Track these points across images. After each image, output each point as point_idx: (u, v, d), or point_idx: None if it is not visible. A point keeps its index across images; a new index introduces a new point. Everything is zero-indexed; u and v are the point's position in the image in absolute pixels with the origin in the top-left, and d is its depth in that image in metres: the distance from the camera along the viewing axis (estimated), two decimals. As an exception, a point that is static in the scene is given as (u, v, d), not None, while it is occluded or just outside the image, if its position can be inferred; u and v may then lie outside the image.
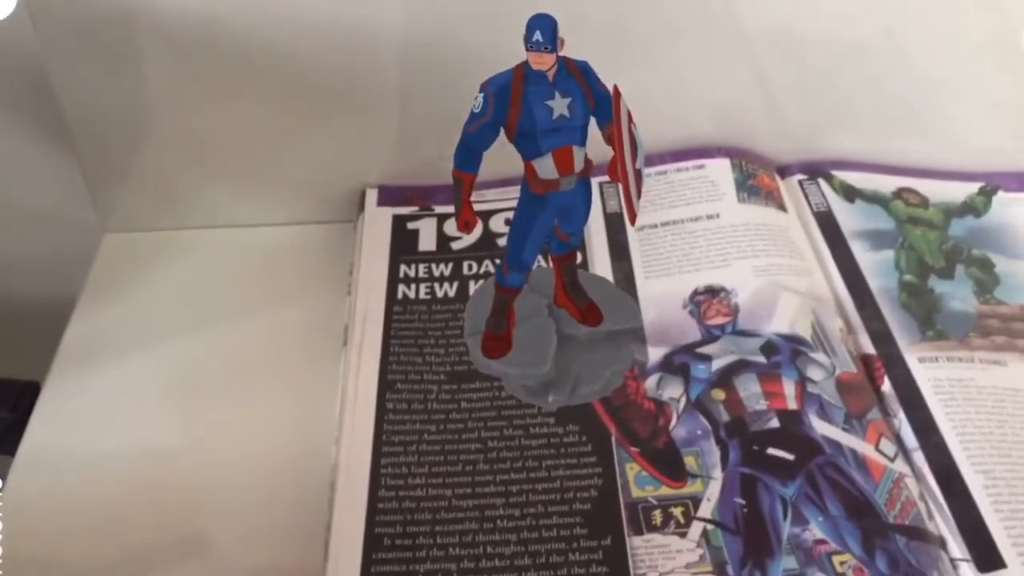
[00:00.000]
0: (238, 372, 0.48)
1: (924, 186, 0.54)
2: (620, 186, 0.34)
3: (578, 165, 0.35)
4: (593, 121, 0.35)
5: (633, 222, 0.35)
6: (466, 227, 0.35)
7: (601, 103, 0.34)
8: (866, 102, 0.57)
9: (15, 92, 0.52)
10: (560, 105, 0.34)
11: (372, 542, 0.37)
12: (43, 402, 0.46)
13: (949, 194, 0.53)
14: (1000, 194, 0.53)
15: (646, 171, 0.52)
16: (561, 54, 0.33)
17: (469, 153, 0.34)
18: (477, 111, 0.34)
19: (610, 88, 0.34)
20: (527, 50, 0.33)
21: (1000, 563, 0.35)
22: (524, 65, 0.33)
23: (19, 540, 0.40)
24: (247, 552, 0.40)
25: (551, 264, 0.41)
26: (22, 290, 0.56)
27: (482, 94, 0.34)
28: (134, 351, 0.49)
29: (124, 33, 0.48)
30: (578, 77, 0.34)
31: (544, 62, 0.33)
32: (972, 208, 0.52)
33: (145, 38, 0.49)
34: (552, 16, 0.33)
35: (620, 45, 0.53)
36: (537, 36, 0.32)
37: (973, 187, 0.54)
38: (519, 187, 0.36)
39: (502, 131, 0.34)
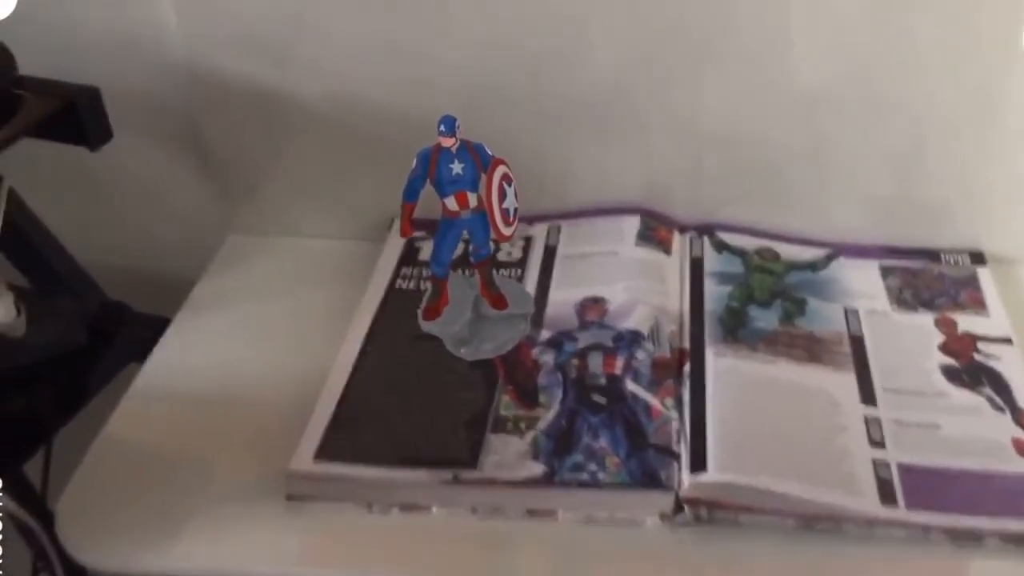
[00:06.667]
0: (293, 328, 0.73)
1: (783, 248, 0.74)
2: (488, 216, 0.58)
3: (471, 203, 0.59)
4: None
5: (501, 240, 0.59)
6: (403, 234, 0.59)
7: (487, 167, 0.58)
8: (769, 186, 0.76)
9: (177, 133, 0.81)
10: (457, 167, 0.58)
11: (335, 419, 0.61)
12: (170, 331, 0.74)
13: (800, 255, 0.73)
14: (840, 259, 0.73)
15: (578, 220, 0.75)
16: (461, 137, 0.57)
17: (409, 191, 0.59)
18: (413, 167, 0.58)
19: (493, 159, 0.58)
20: (438, 135, 0.57)
21: (704, 468, 0.56)
22: (439, 143, 0.58)
23: (138, 424, 0.66)
24: (272, 422, 0.65)
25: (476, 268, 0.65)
26: (168, 265, 0.85)
27: (415, 158, 0.58)
28: (233, 308, 0.76)
29: (251, 102, 0.76)
30: (472, 152, 0.58)
31: (448, 142, 0.57)
32: (812, 266, 0.72)
33: (265, 106, 0.76)
34: (453, 116, 0.57)
35: (591, 128, 0.75)
36: (442, 128, 0.57)
37: (821, 252, 0.74)
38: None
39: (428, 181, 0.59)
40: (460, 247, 0.64)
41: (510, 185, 0.59)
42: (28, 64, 0.64)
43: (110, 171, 0.78)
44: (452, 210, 0.59)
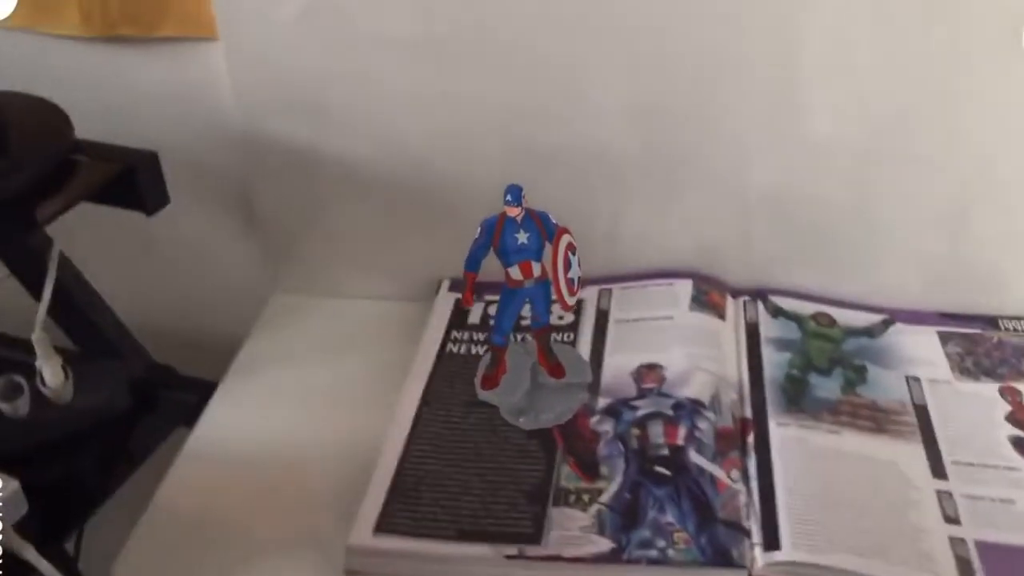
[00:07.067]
0: (341, 392, 0.72)
1: (839, 313, 0.73)
2: (553, 286, 0.57)
3: (535, 272, 0.58)
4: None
5: (565, 310, 0.58)
6: (465, 303, 0.59)
7: (551, 236, 0.58)
8: (821, 249, 0.75)
9: (224, 194, 0.81)
10: (523, 237, 0.57)
11: (393, 489, 0.60)
12: (218, 395, 0.73)
13: (856, 320, 0.72)
14: (896, 325, 0.72)
15: (630, 284, 0.74)
16: (526, 207, 0.57)
17: (471, 261, 0.58)
18: (477, 237, 0.58)
19: (558, 229, 0.58)
20: (504, 204, 0.57)
21: (778, 547, 0.55)
22: (504, 212, 0.57)
23: (189, 491, 0.65)
24: (324, 492, 0.64)
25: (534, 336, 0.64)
26: (214, 326, 0.84)
27: (480, 228, 0.58)
28: (280, 371, 0.75)
29: (300, 164, 0.75)
30: (536, 221, 0.57)
31: (513, 212, 0.56)
32: (869, 332, 0.71)
33: (313, 168, 0.76)
34: (519, 185, 0.56)
35: (645, 191, 0.75)
36: (508, 198, 0.56)
37: (877, 318, 0.73)
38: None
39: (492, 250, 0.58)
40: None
41: (574, 254, 0.58)
42: (81, 126, 0.64)
43: (156, 232, 0.77)
44: (516, 279, 0.58)
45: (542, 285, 0.59)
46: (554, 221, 0.58)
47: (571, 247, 0.58)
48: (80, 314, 0.70)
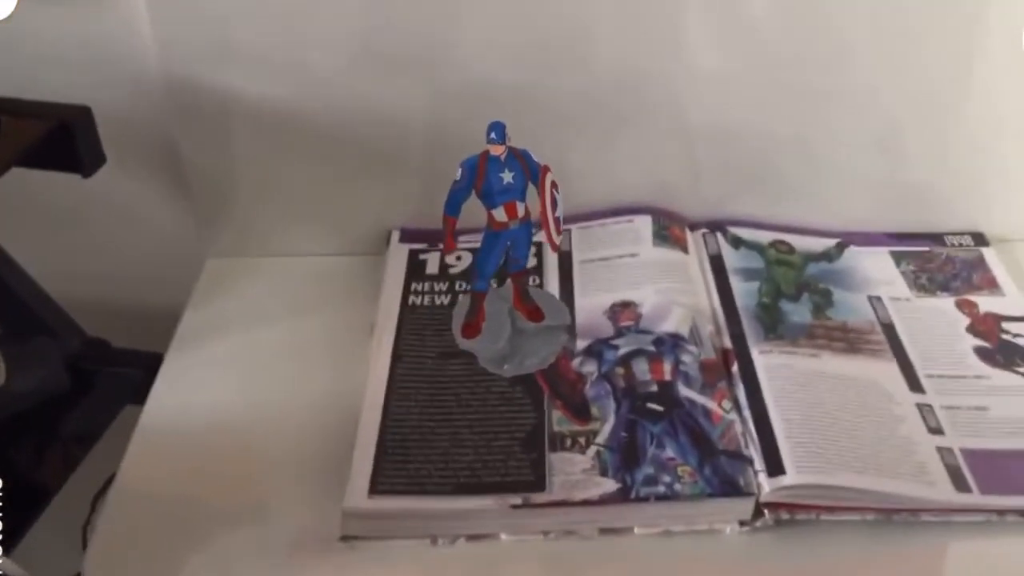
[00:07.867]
0: (298, 354, 0.68)
1: (795, 239, 0.73)
2: (543, 226, 0.55)
3: (520, 213, 0.56)
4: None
5: (554, 250, 0.56)
6: (447, 249, 0.56)
7: (534, 175, 0.55)
8: (766, 179, 0.76)
9: (148, 152, 0.75)
10: (507, 176, 0.54)
11: (381, 449, 0.57)
12: (165, 368, 0.67)
13: (813, 246, 0.73)
14: (851, 248, 0.73)
15: (588, 223, 0.73)
16: (508, 145, 0.54)
17: (452, 204, 0.55)
18: (457, 179, 0.55)
19: (541, 167, 0.55)
20: (487, 143, 0.54)
21: (782, 471, 0.55)
22: (487, 152, 0.54)
23: (141, 464, 0.60)
24: (300, 459, 0.60)
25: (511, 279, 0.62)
26: (148, 295, 0.78)
27: (460, 168, 0.55)
28: (227, 337, 0.70)
29: (230, 114, 0.70)
30: (520, 159, 0.55)
31: (497, 150, 0.54)
32: (827, 256, 0.72)
33: (244, 118, 0.70)
34: (503, 122, 0.54)
35: (587, 129, 0.73)
36: (492, 135, 0.53)
37: (832, 242, 0.74)
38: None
39: (473, 192, 0.55)
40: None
41: (558, 191, 0.56)
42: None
43: (76, 196, 0.71)
44: (500, 221, 0.56)
45: (524, 227, 0.57)
46: (536, 159, 0.56)
47: (555, 184, 0.56)
48: (5, 290, 0.64)
